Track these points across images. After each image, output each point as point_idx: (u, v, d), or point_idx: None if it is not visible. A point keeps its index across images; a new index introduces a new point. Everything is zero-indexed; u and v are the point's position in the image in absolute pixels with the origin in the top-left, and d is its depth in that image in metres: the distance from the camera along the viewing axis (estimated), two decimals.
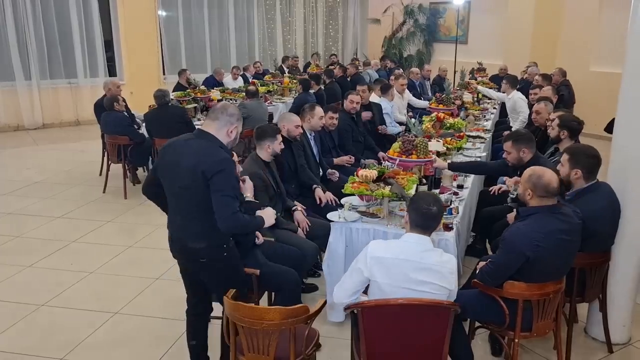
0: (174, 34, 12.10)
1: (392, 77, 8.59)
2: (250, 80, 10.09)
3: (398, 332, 2.58)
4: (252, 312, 2.46)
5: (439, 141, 4.85)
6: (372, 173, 3.68)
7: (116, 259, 4.95)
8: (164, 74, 11.81)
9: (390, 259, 2.60)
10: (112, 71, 11.43)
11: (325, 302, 2.72)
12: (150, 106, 7.11)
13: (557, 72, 9.48)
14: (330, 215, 3.73)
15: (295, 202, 4.19)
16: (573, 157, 3.35)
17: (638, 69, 3.37)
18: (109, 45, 11.29)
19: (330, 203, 4.39)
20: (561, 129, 4.36)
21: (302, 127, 4.64)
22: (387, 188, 3.61)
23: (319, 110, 5.02)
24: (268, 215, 3.13)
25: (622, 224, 3.47)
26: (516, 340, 2.96)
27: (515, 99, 7.42)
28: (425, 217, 2.64)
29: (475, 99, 8.60)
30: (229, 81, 9.98)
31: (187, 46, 12.32)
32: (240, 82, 9.99)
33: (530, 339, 3.18)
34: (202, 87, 8.31)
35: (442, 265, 2.63)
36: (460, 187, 4.40)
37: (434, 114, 5.98)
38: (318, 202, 4.42)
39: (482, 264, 3.10)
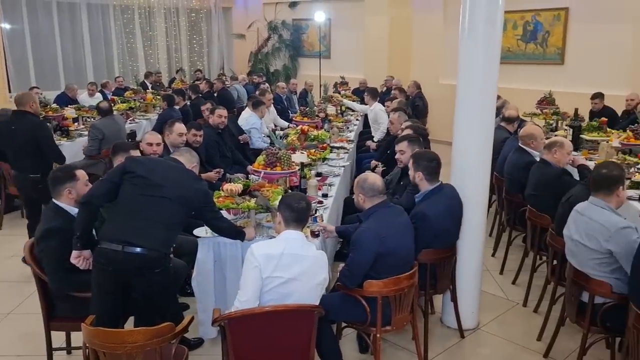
0: (20, 48, 11.14)
1: (257, 92, 8.72)
2: (110, 96, 9.63)
3: (266, 340, 2.65)
4: (113, 336, 2.37)
5: (303, 153, 5.03)
6: (237, 187, 3.73)
7: None
8: (9, 91, 10.83)
9: (278, 254, 2.73)
10: None
11: (192, 319, 2.70)
12: None
13: (412, 84, 10.26)
14: (197, 231, 3.71)
15: None
16: (415, 161, 3.70)
17: (468, 82, 3.79)
18: None
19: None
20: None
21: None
22: (253, 201, 3.69)
23: (178, 126, 4.96)
24: None
25: (465, 221, 3.86)
26: (378, 335, 3.17)
27: (377, 111, 7.90)
28: (299, 212, 2.87)
29: (339, 111, 9.02)
30: (85, 98, 9.43)
31: (36, 61, 11.39)
32: (99, 98, 9.49)
33: (391, 332, 3.44)
34: (55, 106, 7.76)
35: (321, 258, 2.87)
36: (325, 195, 4.60)
37: (299, 127, 6.18)
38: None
39: (342, 266, 3.29)
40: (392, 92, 9.35)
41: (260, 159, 4.33)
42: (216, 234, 3.55)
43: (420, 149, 4.39)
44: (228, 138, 6.32)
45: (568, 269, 3.39)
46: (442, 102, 10.19)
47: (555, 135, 6.55)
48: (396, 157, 4.60)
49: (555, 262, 3.87)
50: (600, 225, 3.11)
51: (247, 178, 4.38)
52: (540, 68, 9.81)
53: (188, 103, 8.66)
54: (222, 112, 6.07)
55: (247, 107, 7.54)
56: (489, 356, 3.80)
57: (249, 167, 5.91)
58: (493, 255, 5.51)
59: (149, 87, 10.96)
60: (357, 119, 8.98)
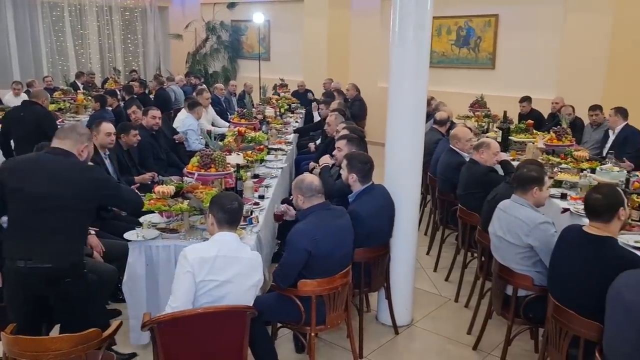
0: None
1: (195, 93, 8.59)
2: None
3: (197, 342, 2.61)
4: (35, 344, 2.29)
5: (239, 154, 5.00)
6: (169, 189, 3.66)
7: None
8: None
9: (212, 257, 2.69)
10: None
11: (120, 324, 2.64)
12: None
13: (350, 87, 10.39)
14: (127, 235, 3.61)
15: None
16: (349, 162, 3.77)
17: (399, 84, 3.90)
18: None
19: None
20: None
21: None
22: (186, 203, 3.63)
23: (105, 126, 4.79)
24: None
25: (398, 220, 3.96)
26: (312, 334, 3.20)
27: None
28: (231, 213, 2.84)
29: (278, 113, 9.01)
30: (10, 98, 8.98)
31: None
32: (24, 98, 9.05)
33: (326, 331, 3.47)
34: None
35: (255, 259, 2.84)
36: (261, 197, 4.59)
37: (236, 129, 6.14)
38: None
39: (275, 266, 3.30)
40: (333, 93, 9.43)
41: (194, 160, 4.27)
42: (147, 238, 3.47)
43: (357, 150, 4.46)
44: (163, 140, 6.19)
45: (493, 264, 3.54)
46: (380, 104, 10.28)
47: (487, 137, 6.82)
48: (334, 153, 4.66)
49: (483, 258, 4.03)
50: (520, 221, 3.27)
51: (182, 180, 4.31)
52: (472, 72, 10.17)
53: (122, 104, 8.41)
54: (156, 113, 5.94)
55: (183, 109, 7.40)
56: (421, 351, 3.91)
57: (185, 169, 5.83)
58: (428, 253, 5.66)
59: (80, 88, 10.56)
60: (296, 121, 9.01)
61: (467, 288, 4.56)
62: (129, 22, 14.08)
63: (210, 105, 8.52)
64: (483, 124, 7.84)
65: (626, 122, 6.52)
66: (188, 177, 4.23)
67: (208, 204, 3.61)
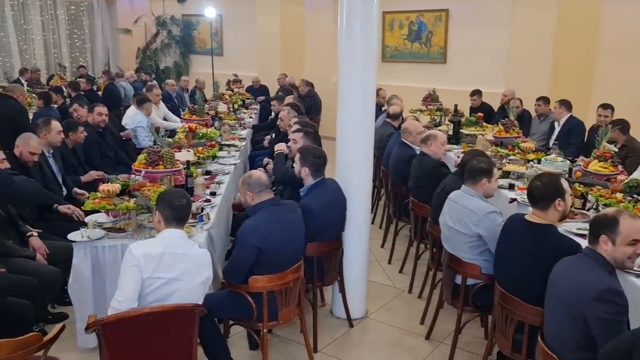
0: None
1: (145, 90, 8.39)
2: None
3: (145, 343, 2.55)
4: None
5: (189, 151, 4.91)
6: (115, 187, 3.56)
7: None
8: None
9: (159, 254, 2.63)
10: None
11: (62, 328, 2.54)
12: None
13: (301, 83, 10.37)
14: (71, 236, 3.48)
15: (28, 227, 3.83)
16: (302, 156, 3.75)
17: (348, 78, 3.91)
18: None
19: (77, 219, 4.12)
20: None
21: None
22: (132, 201, 3.54)
23: (55, 124, 4.66)
24: None
25: (350, 213, 3.97)
26: (265, 331, 3.17)
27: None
28: (179, 210, 2.78)
29: (231, 109, 8.90)
30: None
31: None
32: None
33: (279, 326, 3.45)
34: None
35: (204, 256, 2.79)
36: (213, 194, 4.51)
37: (186, 125, 6.03)
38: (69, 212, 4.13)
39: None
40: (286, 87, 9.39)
41: (141, 157, 4.17)
42: (93, 238, 3.37)
43: (312, 144, 4.45)
44: (110, 137, 6.02)
45: (443, 254, 3.60)
46: (334, 99, 10.35)
47: (439, 130, 6.93)
48: (288, 144, 4.64)
49: (434, 249, 4.09)
50: (470, 211, 3.33)
51: (130, 178, 4.19)
52: (425, 66, 10.32)
53: (68, 101, 8.13)
54: (102, 109, 5.77)
55: (132, 105, 7.21)
56: (376, 343, 3.94)
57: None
58: (382, 246, 5.71)
59: (24, 85, 10.14)
60: (250, 117, 8.92)
61: (420, 279, 4.63)
62: (74, 16, 13.61)
63: (161, 101, 8.34)
64: (435, 117, 7.97)
65: (570, 114, 6.75)
66: (136, 175, 4.12)
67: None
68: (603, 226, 2.39)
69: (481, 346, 3.55)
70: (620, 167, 4.54)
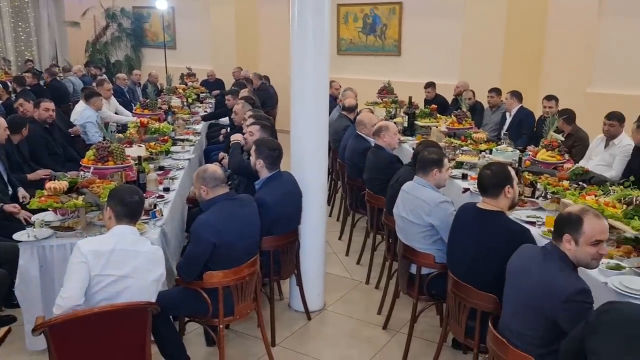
0: None
1: (95, 84, 8.14)
2: None
3: (95, 343, 2.48)
4: None
5: (141, 146, 4.79)
6: (62, 184, 3.44)
7: None
8: None
9: (109, 250, 2.57)
10: None
11: (9, 330, 2.46)
12: None
13: (254, 76, 10.31)
14: (17, 235, 3.35)
15: None
16: (257, 149, 3.72)
17: (301, 71, 3.89)
18: None
19: (24, 222, 3.95)
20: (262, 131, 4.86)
21: None
22: (81, 198, 3.43)
23: (1, 120, 4.48)
24: None
25: (306, 206, 3.96)
26: (221, 326, 3.14)
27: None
28: (131, 207, 2.73)
29: (186, 103, 8.75)
30: None
31: None
32: None
33: (236, 322, 3.42)
34: None
35: (155, 253, 2.74)
36: (166, 190, 4.43)
37: (138, 120, 5.89)
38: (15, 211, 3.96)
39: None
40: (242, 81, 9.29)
41: (90, 153, 4.05)
42: (40, 238, 3.25)
43: (268, 137, 4.43)
44: (58, 133, 5.82)
45: (398, 245, 3.64)
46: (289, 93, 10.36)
47: (394, 122, 7.01)
48: (244, 136, 4.60)
49: (390, 240, 4.13)
50: (422, 201, 3.38)
51: (79, 175, 4.06)
52: (380, 59, 10.39)
53: (13, 97, 7.81)
54: (49, 105, 5.57)
55: (80, 100, 6.98)
56: (333, 334, 3.96)
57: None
58: (340, 238, 5.74)
59: None
60: (205, 111, 8.78)
61: (377, 270, 4.67)
62: (19, 8, 13.05)
63: (113, 96, 8.11)
64: (391, 109, 8.05)
65: (521, 105, 6.94)
66: (85, 171, 4.00)
67: (106, 199, 3.44)
68: (567, 225, 2.33)
69: (437, 334, 3.61)
70: (567, 156, 4.69)
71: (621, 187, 3.61)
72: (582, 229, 2.29)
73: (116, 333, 2.51)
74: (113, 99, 8.13)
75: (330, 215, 6.39)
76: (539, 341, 2.31)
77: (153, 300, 2.69)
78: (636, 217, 3.01)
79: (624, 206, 3.24)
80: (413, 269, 3.49)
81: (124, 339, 2.55)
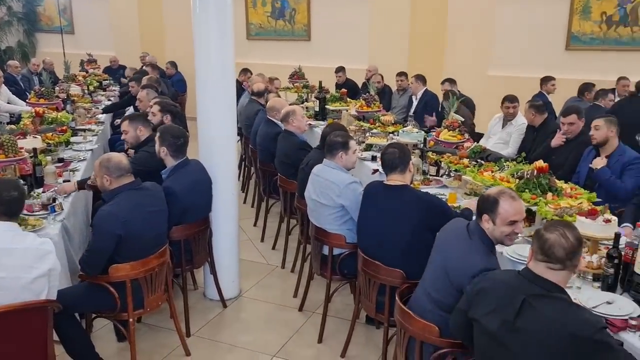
0: None
1: None
2: None
3: None
4: None
5: (36, 137, 4.50)
6: None
7: None
8: None
9: None
10: None
11: None
12: None
13: (169, 65, 10.02)
14: None
15: None
16: (161, 136, 3.60)
17: (206, 56, 3.81)
18: None
19: None
20: (164, 114, 4.71)
21: None
22: None
23: None
24: None
25: (216, 193, 3.90)
26: (131, 320, 3.04)
27: None
28: (10, 203, 2.53)
29: (87, 91, 8.28)
30: None
31: None
32: None
33: (147, 314, 3.32)
34: None
35: (39, 248, 2.52)
36: (67, 182, 4.19)
37: (33, 109, 5.51)
38: None
39: None
40: (145, 68, 8.94)
41: None
42: None
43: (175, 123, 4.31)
44: None
45: (311, 227, 3.68)
46: None
47: (306, 106, 7.04)
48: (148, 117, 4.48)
49: (303, 223, 4.17)
50: (332, 183, 3.44)
51: None
52: (290, 44, 10.34)
53: None
54: None
55: None
56: (250, 320, 3.95)
57: None
58: (255, 224, 5.71)
59: None
60: (109, 99, 8.36)
61: (292, 254, 4.71)
62: None
63: (4, 84, 7.53)
64: (302, 94, 8.07)
65: (426, 88, 7.21)
66: None
67: None
68: (485, 206, 2.47)
69: (351, 312, 3.71)
70: (466, 135, 4.93)
71: (514, 162, 3.86)
72: (498, 210, 2.43)
73: (13, 335, 2.35)
74: (4, 87, 7.56)
75: (244, 202, 6.35)
76: (449, 309, 2.44)
77: (44, 297, 2.50)
78: (527, 190, 3.23)
79: (517, 180, 3.47)
80: (325, 250, 3.55)
81: (23, 341, 2.40)
